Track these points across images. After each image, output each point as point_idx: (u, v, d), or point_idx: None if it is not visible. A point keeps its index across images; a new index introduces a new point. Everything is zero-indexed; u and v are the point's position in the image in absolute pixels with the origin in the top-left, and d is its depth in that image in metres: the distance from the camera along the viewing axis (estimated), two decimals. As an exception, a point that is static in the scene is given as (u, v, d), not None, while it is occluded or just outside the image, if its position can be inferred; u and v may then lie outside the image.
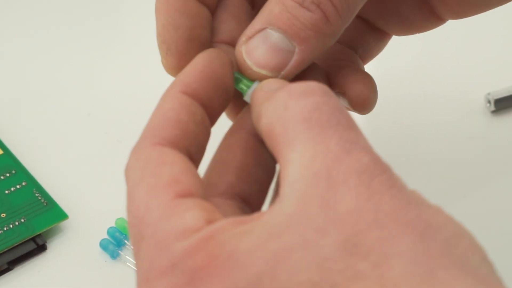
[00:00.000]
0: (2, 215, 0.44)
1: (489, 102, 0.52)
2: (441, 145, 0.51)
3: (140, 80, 0.53)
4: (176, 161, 0.27)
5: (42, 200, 0.45)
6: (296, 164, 0.24)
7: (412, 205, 0.23)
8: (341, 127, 0.25)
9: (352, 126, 0.25)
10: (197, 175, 0.27)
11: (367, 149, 0.25)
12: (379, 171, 0.24)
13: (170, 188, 0.26)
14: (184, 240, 0.24)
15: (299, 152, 0.25)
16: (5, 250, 0.43)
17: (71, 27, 0.59)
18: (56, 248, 0.44)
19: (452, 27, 0.55)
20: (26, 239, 0.43)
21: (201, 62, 0.30)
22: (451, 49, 0.58)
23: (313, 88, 0.26)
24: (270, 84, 0.29)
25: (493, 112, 0.52)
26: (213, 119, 0.30)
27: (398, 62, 0.57)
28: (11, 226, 0.44)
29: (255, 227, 0.24)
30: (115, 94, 0.52)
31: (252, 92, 0.30)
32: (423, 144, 0.51)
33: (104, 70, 0.56)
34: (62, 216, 0.44)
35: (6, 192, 0.46)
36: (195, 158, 0.28)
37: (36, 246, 0.44)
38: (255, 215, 0.24)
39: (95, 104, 0.52)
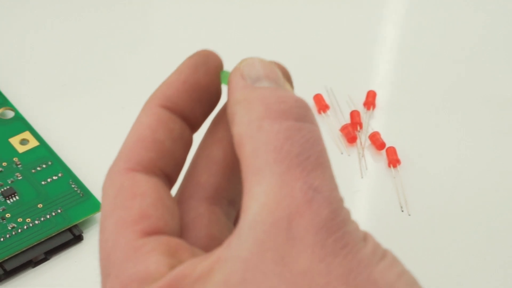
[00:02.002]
0: (39, 206, 0.45)
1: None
2: (475, 139, 0.51)
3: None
4: (147, 191, 0.26)
5: (78, 191, 0.46)
6: (259, 203, 0.24)
7: (362, 265, 0.23)
8: (309, 165, 0.24)
9: (320, 163, 0.24)
10: (168, 205, 0.27)
11: (329, 197, 0.24)
12: (335, 228, 0.23)
13: (138, 226, 0.25)
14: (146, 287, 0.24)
15: (264, 188, 0.24)
16: (42, 240, 0.43)
17: (110, 23, 0.60)
18: (92, 238, 0.44)
19: (479, 18, 0.55)
20: (63, 229, 0.44)
21: (185, 70, 0.28)
22: (481, 41, 0.58)
23: (290, 107, 0.25)
24: (251, 68, 0.27)
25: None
26: (196, 126, 0.29)
27: (428, 56, 0.57)
28: (47, 216, 0.44)
29: (213, 274, 0.24)
30: (148, 88, 0.53)
31: (231, 73, 0.28)
32: (455, 140, 0.51)
33: (139, 64, 0.56)
34: (98, 207, 0.45)
35: (43, 183, 0.46)
36: (172, 175, 0.28)
37: (72, 237, 0.44)
38: (216, 254, 0.24)
39: (129, 98, 0.52)
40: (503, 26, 0.60)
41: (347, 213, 0.24)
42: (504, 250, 0.45)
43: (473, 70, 0.56)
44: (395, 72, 0.57)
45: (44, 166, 0.47)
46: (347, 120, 0.52)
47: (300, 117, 0.25)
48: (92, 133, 0.51)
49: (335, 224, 0.23)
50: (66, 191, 0.46)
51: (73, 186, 0.46)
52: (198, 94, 0.28)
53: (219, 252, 0.24)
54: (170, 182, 0.28)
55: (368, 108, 0.53)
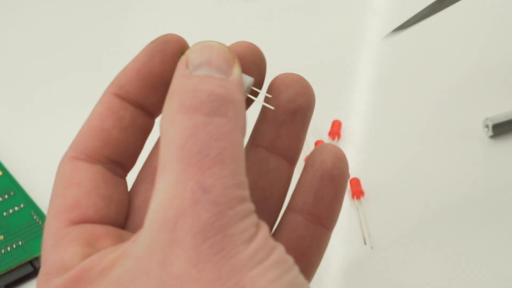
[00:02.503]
0: (-1, 238, 0.45)
1: (487, 127, 0.52)
2: (439, 170, 0.51)
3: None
4: (83, 180, 0.28)
5: (40, 223, 0.45)
6: (157, 201, 0.24)
7: (234, 271, 0.23)
8: (207, 163, 0.24)
9: (220, 160, 0.24)
10: (103, 194, 0.28)
11: (216, 198, 0.24)
12: (213, 232, 0.24)
13: (68, 214, 0.27)
14: (59, 277, 0.25)
15: (163, 186, 0.25)
16: (2, 273, 0.43)
17: (80, 50, 0.59)
18: (53, 271, 0.44)
19: (450, 51, 0.55)
20: (23, 262, 0.43)
21: (139, 59, 0.29)
22: (450, 74, 0.59)
23: (201, 101, 0.25)
24: (196, 54, 0.27)
25: (491, 137, 0.53)
26: (156, 113, 0.29)
27: (396, 87, 0.58)
28: (8, 249, 0.44)
29: (113, 269, 0.25)
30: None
31: (179, 59, 0.27)
32: (420, 171, 0.51)
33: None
34: (60, 239, 0.44)
35: (4, 214, 0.46)
36: (124, 162, 0.29)
37: (33, 269, 0.44)
38: (123, 246, 0.25)
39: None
40: (467, 60, 0.60)
41: (238, 213, 0.24)
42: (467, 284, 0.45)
43: (438, 102, 0.57)
44: (361, 102, 0.57)
45: (6, 196, 0.47)
46: (311, 149, 0.52)
47: (210, 111, 0.25)
48: (56, 163, 0.51)
49: (214, 228, 0.24)
50: (28, 222, 0.45)
51: (34, 217, 0.46)
52: (152, 82, 0.29)
53: (126, 245, 0.25)
54: (124, 168, 0.29)
55: (333, 138, 0.53)
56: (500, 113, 0.53)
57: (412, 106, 0.56)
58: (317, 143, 0.52)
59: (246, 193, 0.25)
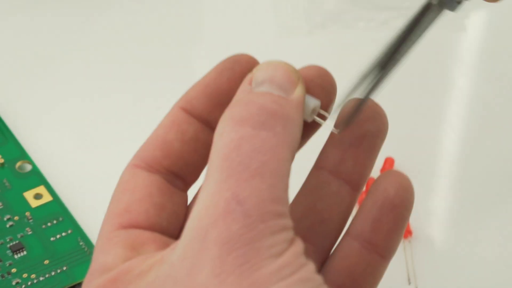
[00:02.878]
0: (45, 262, 0.45)
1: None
2: (491, 219, 0.50)
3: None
4: (138, 187, 0.28)
5: (86, 249, 0.46)
6: (196, 209, 0.25)
7: (255, 285, 0.23)
8: (246, 175, 0.24)
9: (260, 173, 0.25)
10: (156, 202, 0.28)
11: (249, 210, 0.24)
12: (241, 244, 0.24)
13: (118, 219, 0.28)
14: (100, 277, 0.26)
15: (203, 195, 0.25)
16: (45, 297, 0.44)
17: (136, 90, 0.60)
18: (95, 297, 0.45)
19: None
20: (66, 287, 0.44)
21: (209, 75, 0.30)
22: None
23: (250, 114, 0.26)
24: (261, 72, 0.28)
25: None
26: None
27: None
28: (52, 273, 0.45)
29: (149, 273, 0.25)
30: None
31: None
32: (468, 217, 0.50)
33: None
34: (103, 266, 0.45)
35: (52, 239, 0.46)
36: (185, 174, 0.29)
37: (75, 295, 0.44)
38: (162, 253, 0.26)
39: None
40: None
41: (269, 227, 0.24)
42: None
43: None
44: (412, 139, 0.57)
45: (54, 221, 0.48)
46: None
47: (257, 125, 0.25)
48: (106, 191, 0.51)
49: (242, 240, 0.24)
50: (74, 248, 0.46)
51: (81, 243, 0.46)
52: (218, 98, 0.29)
53: (165, 252, 0.25)
54: (185, 182, 0.29)
55: (385, 176, 0.52)
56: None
57: (473, 149, 0.55)
58: (369, 181, 0.51)
59: (283, 209, 0.25)
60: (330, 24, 0.65)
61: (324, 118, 0.29)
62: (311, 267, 0.25)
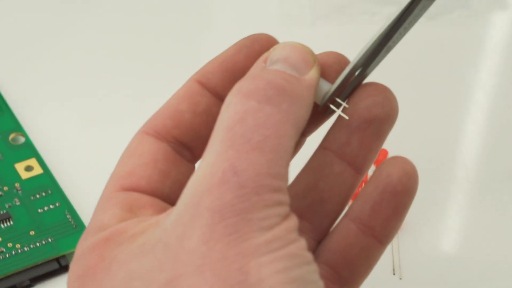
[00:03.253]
0: (31, 233, 0.45)
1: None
2: (481, 213, 0.50)
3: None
4: (144, 152, 0.29)
5: (72, 222, 0.46)
6: (193, 178, 0.25)
7: (241, 255, 0.23)
8: (246, 147, 0.25)
9: (260, 147, 0.25)
10: (161, 168, 0.29)
11: (244, 182, 0.24)
12: (232, 213, 0.24)
13: (121, 180, 0.28)
14: (94, 236, 0.26)
15: (203, 164, 0.25)
16: (29, 267, 0.44)
17: (144, 66, 0.60)
18: (78, 271, 0.45)
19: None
20: (50, 258, 0.44)
21: (227, 51, 0.30)
22: None
23: (257, 88, 0.26)
24: (278, 51, 0.28)
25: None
26: None
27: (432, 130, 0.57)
28: (37, 244, 0.45)
29: (142, 236, 0.25)
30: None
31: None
32: (460, 211, 0.50)
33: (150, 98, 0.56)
34: (88, 239, 0.45)
35: (39, 210, 0.47)
36: (193, 146, 0.30)
37: (58, 266, 0.44)
38: (157, 218, 0.26)
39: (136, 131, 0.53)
40: None
41: (263, 200, 0.24)
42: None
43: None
44: (407, 130, 0.56)
45: (43, 194, 0.48)
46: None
47: (263, 99, 0.26)
48: (99, 168, 0.51)
49: (234, 210, 0.24)
50: (60, 220, 0.46)
51: (68, 216, 0.46)
52: (233, 74, 0.29)
53: (161, 217, 0.26)
54: (194, 153, 0.30)
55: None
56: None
57: (466, 147, 0.55)
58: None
59: (280, 184, 0.25)
60: (334, 16, 0.65)
61: (338, 105, 0.29)
62: (302, 243, 0.25)
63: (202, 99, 0.30)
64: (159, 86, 0.57)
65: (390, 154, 0.53)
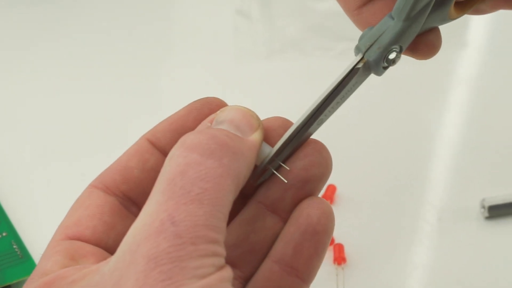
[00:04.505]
0: (-24, 262, 0.45)
1: (483, 207, 0.52)
2: (429, 246, 0.51)
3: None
4: (91, 205, 0.30)
5: (18, 252, 0.46)
6: (133, 227, 0.26)
7: None
8: (185, 199, 0.25)
9: (199, 199, 0.25)
10: (106, 220, 0.29)
11: (181, 232, 0.25)
12: (167, 261, 0.24)
13: (67, 230, 0.29)
14: (37, 281, 0.27)
15: (142, 214, 0.26)
16: (-27, 296, 0.44)
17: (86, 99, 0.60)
18: (24, 301, 0.45)
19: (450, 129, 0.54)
20: (-5, 288, 0.44)
21: (178, 113, 0.31)
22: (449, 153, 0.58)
23: (200, 142, 0.27)
24: (224, 113, 0.29)
25: (487, 218, 0.52)
26: None
27: (398, 169, 0.57)
28: (-18, 273, 0.45)
29: (81, 281, 0.26)
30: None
31: None
32: (407, 244, 0.51)
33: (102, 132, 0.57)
34: (34, 270, 0.45)
35: (-15, 239, 0.47)
36: (139, 201, 0.30)
37: (4, 296, 0.44)
38: (98, 265, 0.26)
39: (90, 166, 0.53)
40: (469, 138, 0.60)
41: (198, 250, 0.25)
42: None
43: (438, 176, 0.56)
44: (355, 167, 0.57)
45: (-10, 223, 0.48)
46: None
47: (206, 153, 0.26)
48: (47, 197, 0.51)
49: (169, 258, 0.24)
50: (7, 250, 0.46)
51: (14, 247, 0.46)
52: (182, 134, 0.29)
53: (101, 264, 0.26)
54: (140, 208, 0.29)
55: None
56: (498, 194, 0.52)
57: (409, 177, 0.56)
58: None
59: (216, 236, 0.25)
60: (288, 51, 0.66)
61: (277, 165, 0.30)
62: None
63: (151, 157, 0.31)
64: (114, 118, 0.57)
65: (339, 191, 0.54)
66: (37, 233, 0.48)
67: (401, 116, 0.61)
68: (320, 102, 0.31)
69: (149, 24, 0.70)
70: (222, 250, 0.25)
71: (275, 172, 0.30)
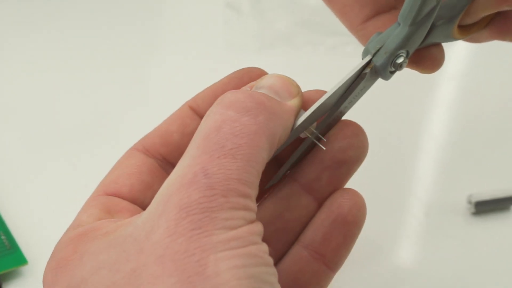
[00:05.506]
0: (-37, 252, 0.45)
1: (470, 203, 0.52)
2: (417, 241, 0.51)
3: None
4: (131, 164, 0.31)
5: (6, 243, 0.46)
6: (167, 179, 0.26)
7: (201, 249, 0.24)
8: (219, 153, 0.26)
9: (232, 154, 0.26)
10: (144, 180, 0.31)
11: (213, 184, 0.25)
12: (198, 211, 0.25)
13: (105, 187, 0.30)
14: (72, 231, 0.28)
15: (178, 167, 0.26)
16: (-40, 288, 0.44)
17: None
18: (12, 292, 0.45)
19: (438, 125, 0.54)
20: (-19, 279, 0.44)
21: (220, 81, 0.32)
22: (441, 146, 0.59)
23: (237, 99, 0.27)
24: (265, 80, 0.30)
25: (473, 213, 0.52)
26: None
27: (386, 164, 0.58)
28: (-31, 264, 0.45)
29: (113, 233, 0.27)
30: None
31: None
32: (397, 239, 0.51)
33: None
34: (22, 261, 0.45)
35: (-27, 230, 0.47)
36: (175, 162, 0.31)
37: (-10, 288, 0.44)
38: (130, 218, 0.27)
39: (81, 156, 0.53)
40: (457, 132, 0.60)
41: (229, 203, 0.25)
42: None
43: (427, 172, 0.56)
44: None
45: (-22, 214, 0.48)
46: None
47: (242, 110, 0.27)
48: (35, 187, 0.51)
49: (200, 208, 0.25)
50: (-6, 241, 0.46)
51: (2, 237, 0.46)
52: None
53: (134, 217, 0.27)
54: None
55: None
56: (485, 190, 0.53)
57: (396, 172, 0.56)
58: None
59: (248, 191, 0.26)
60: (279, 45, 0.66)
61: (316, 138, 0.31)
62: (263, 247, 0.26)
63: (192, 122, 0.32)
64: (106, 111, 0.57)
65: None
66: (26, 224, 0.48)
67: (389, 111, 0.61)
68: (329, 107, 0.31)
69: (139, 17, 0.70)
70: (253, 205, 0.26)
71: (315, 140, 0.31)
